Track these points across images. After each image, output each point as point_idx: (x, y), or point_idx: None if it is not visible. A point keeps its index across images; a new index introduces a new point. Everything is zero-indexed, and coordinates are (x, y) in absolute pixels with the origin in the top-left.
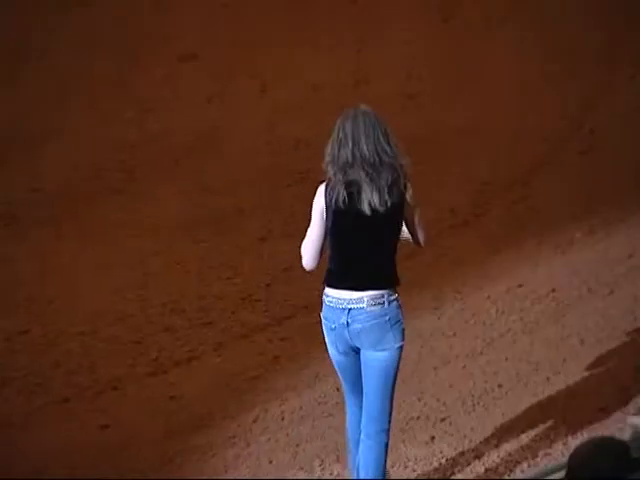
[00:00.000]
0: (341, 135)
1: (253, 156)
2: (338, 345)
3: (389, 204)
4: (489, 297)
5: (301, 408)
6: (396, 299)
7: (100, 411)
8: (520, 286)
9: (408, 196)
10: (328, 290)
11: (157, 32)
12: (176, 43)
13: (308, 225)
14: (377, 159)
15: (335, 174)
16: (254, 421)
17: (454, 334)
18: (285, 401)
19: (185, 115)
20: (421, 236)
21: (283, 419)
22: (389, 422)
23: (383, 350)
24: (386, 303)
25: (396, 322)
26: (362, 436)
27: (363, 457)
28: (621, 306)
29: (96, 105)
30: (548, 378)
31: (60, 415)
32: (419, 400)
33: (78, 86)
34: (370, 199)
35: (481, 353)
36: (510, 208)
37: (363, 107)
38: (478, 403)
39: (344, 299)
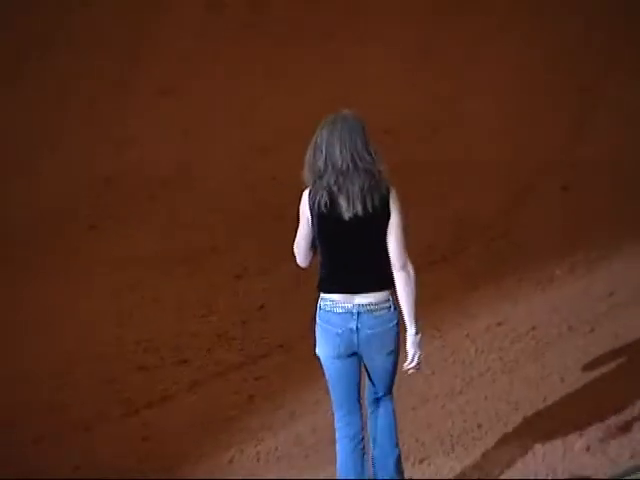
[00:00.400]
0: (318, 142)
1: (228, 192)
2: (341, 350)
3: (369, 209)
4: (468, 335)
5: (277, 449)
6: (395, 301)
7: (71, 452)
8: (500, 324)
9: (392, 199)
10: (329, 295)
11: (134, 65)
12: (153, 76)
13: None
14: (351, 166)
15: (314, 181)
16: (230, 461)
17: (433, 372)
18: (261, 441)
19: (161, 149)
20: (397, 246)
21: (259, 460)
22: (392, 389)
23: (389, 354)
24: (392, 307)
25: (398, 324)
26: (369, 409)
27: (377, 426)
28: (602, 344)
29: (71, 139)
30: (528, 418)
31: (30, 455)
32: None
33: (53, 118)
34: (345, 205)
35: (460, 392)
36: (489, 244)
37: (345, 112)
38: (457, 443)
39: (350, 303)
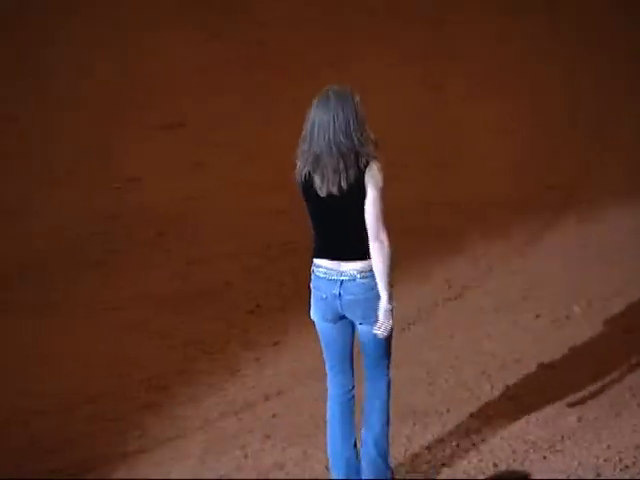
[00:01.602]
0: (308, 121)
1: (237, 227)
2: (327, 314)
3: (344, 187)
4: (484, 372)
5: None
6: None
7: None
8: (517, 361)
9: (367, 176)
10: (317, 261)
11: (142, 100)
12: (160, 111)
13: None
14: (326, 149)
15: (300, 157)
16: None
17: (447, 411)
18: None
19: (168, 185)
20: (371, 219)
21: None
22: (389, 362)
23: (366, 320)
24: (372, 277)
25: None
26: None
27: (368, 404)
28: (620, 382)
29: (78, 176)
30: (545, 457)
31: None
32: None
33: (61, 154)
34: (319, 184)
35: (476, 431)
36: (505, 280)
37: (338, 87)
38: None
39: (335, 270)
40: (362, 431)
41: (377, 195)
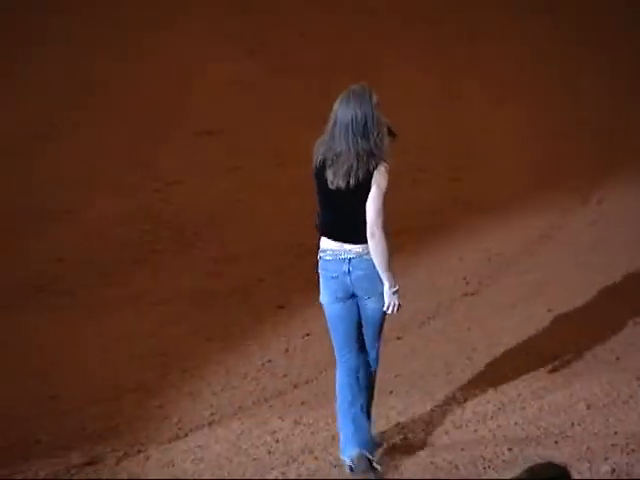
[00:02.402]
0: (331, 117)
1: (269, 227)
2: (338, 292)
3: (352, 184)
4: (499, 363)
5: (316, 471)
6: None
7: (123, 474)
8: (529, 353)
9: (375, 176)
10: (323, 246)
11: (180, 108)
12: (198, 118)
13: None
14: (344, 149)
15: (321, 147)
16: None
17: (465, 399)
18: (301, 465)
19: (205, 187)
20: (369, 216)
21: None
22: (379, 346)
23: (370, 298)
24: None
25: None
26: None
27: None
28: (628, 372)
29: (120, 179)
30: (556, 442)
31: (85, 478)
32: (431, 463)
33: (104, 160)
34: (330, 178)
35: (492, 417)
36: (520, 277)
37: (359, 88)
38: (489, 467)
39: (342, 250)
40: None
41: (378, 193)
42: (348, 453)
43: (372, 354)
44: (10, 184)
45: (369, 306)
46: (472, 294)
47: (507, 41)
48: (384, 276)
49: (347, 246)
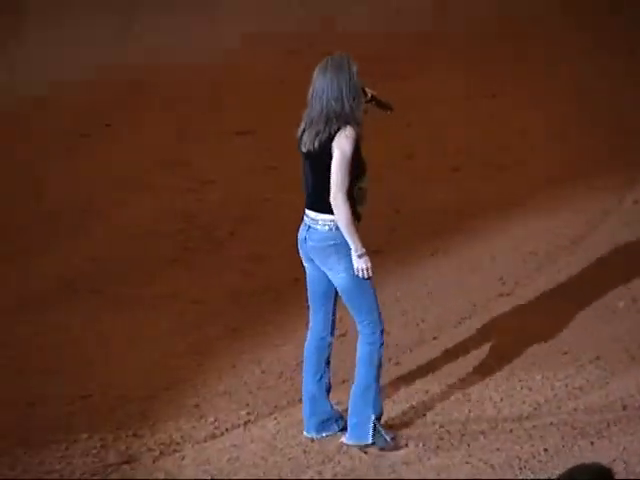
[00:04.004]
0: (310, 88)
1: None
2: (302, 256)
3: (315, 148)
4: (534, 363)
5: (353, 470)
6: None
7: (160, 473)
8: (565, 353)
9: (335, 140)
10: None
11: (217, 109)
12: (233, 118)
13: None
14: (320, 113)
15: (302, 121)
16: None
17: (501, 399)
18: (337, 464)
19: (241, 187)
20: (332, 180)
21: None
22: (369, 322)
23: (330, 270)
24: (333, 228)
25: (342, 246)
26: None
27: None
28: None
29: (155, 178)
30: (592, 442)
31: (122, 477)
32: (467, 463)
33: (138, 159)
34: (303, 141)
35: (527, 417)
36: (555, 277)
37: (335, 56)
38: (525, 467)
39: (307, 217)
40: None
41: (340, 157)
42: (307, 432)
43: (363, 330)
44: (46, 184)
45: (333, 279)
46: (507, 294)
47: (543, 39)
48: (348, 239)
49: (308, 212)
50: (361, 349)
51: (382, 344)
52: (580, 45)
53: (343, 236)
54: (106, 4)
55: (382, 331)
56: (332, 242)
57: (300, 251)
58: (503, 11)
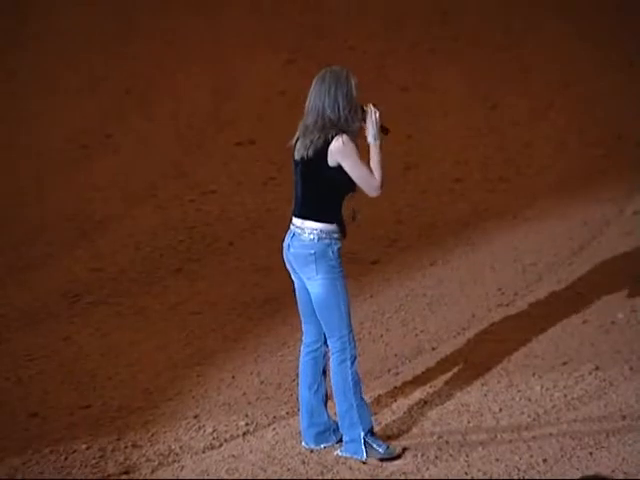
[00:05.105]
0: (308, 97)
1: None
2: (287, 265)
3: (309, 155)
4: (534, 374)
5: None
6: (328, 237)
7: None
8: (564, 364)
9: (333, 148)
10: None
11: (216, 119)
12: (234, 129)
13: None
14: (316, 122)
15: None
16: None
17: (500, 410)
18: (336, 475)
19: (241, 198)
20: (364, 188)
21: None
22: (339, 337)
23: (308, 280)
24: (316, 238)
25: (321, 257)
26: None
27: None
28: None
29: (157, 190)
30: (591, 453)
31: None
32: (466, 474)
33: (142, 169)
34: (296, 149)
35: (526, 428)
36: (554, 288)
37: (335, 68)
38: (524, 478)
39: (292, 225)
40: None
41: (352, 165)
42: (305, 444)
43: (334, 345)
44: (49, 195)
45: (309, 287)
46: (507, 305)
47: (543, 49)
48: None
49: (295, 220)
50: (334, 372)
51: (355, 358)
52: (582, 55)
53: (324, 248)
54: (105, 10)
55: (354, 345)
56: (313, 251)
57: (285, 261)
58: (504, 21)
